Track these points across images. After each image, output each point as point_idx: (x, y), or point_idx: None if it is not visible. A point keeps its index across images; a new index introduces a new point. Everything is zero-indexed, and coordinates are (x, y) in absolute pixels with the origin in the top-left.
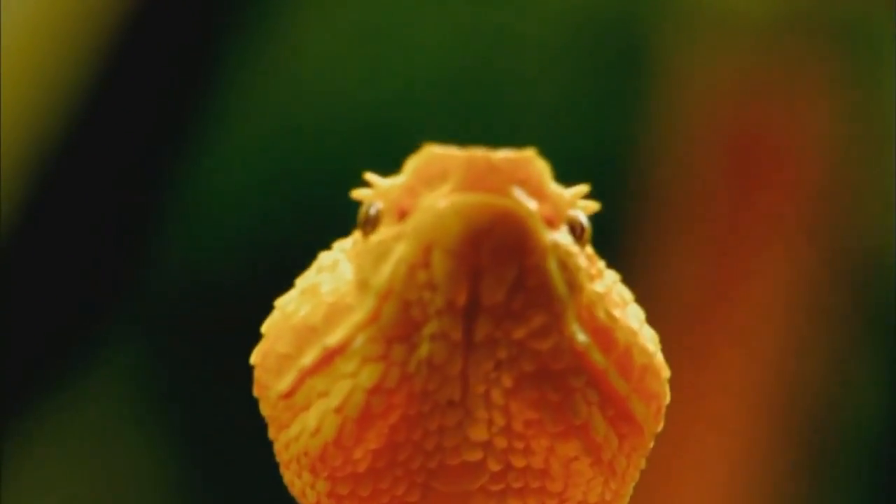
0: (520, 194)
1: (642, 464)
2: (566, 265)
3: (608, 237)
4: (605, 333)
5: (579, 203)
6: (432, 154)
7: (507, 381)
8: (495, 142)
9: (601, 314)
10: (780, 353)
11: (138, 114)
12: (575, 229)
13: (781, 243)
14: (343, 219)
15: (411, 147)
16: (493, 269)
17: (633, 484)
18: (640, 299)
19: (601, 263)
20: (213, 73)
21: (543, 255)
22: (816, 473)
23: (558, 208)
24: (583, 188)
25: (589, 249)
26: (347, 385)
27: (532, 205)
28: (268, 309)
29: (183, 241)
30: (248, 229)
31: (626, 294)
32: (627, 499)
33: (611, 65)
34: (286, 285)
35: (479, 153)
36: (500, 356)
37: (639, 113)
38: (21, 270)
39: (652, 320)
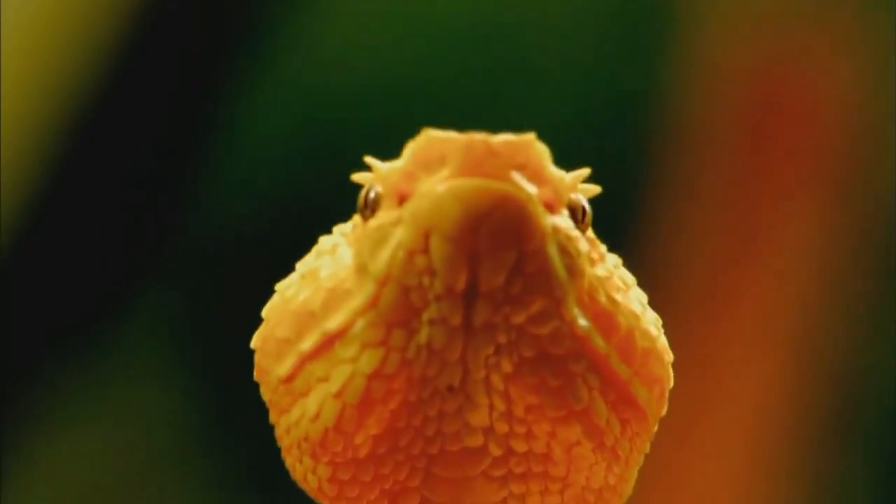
0: (519, 178)
1: (646, 448)
2: (567, 250)
3: (628, 196)
4: (606, 318)
5: (580, 187)
6: (431, 138)
7: (507, 366)
8: (516, 93)
9: (602, 298)
10: (803, 315)
11: (173, 72)
12: (576, 213)
13: (804, 202)
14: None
15: (440, 103)
16: (491, 253)
17: (637, 468)
18: (660, 260)
19: (603, 247)
20: (244, 31)
21: (543, 240)
22: (840, 444)
23: (559, 192)
24: (584, 172)
25: (590, 233)
26: (347, 370)
27: (531, 189)
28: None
29: (214, 197)
30: (279, 184)
31: (628, 277)
32: (632, 482)
33: (632, 19)
34: (316, 238)
35: (477, 137)
36: (499, 341)
37: (659, 68)
38: (53, 226)
39: (671, 283)
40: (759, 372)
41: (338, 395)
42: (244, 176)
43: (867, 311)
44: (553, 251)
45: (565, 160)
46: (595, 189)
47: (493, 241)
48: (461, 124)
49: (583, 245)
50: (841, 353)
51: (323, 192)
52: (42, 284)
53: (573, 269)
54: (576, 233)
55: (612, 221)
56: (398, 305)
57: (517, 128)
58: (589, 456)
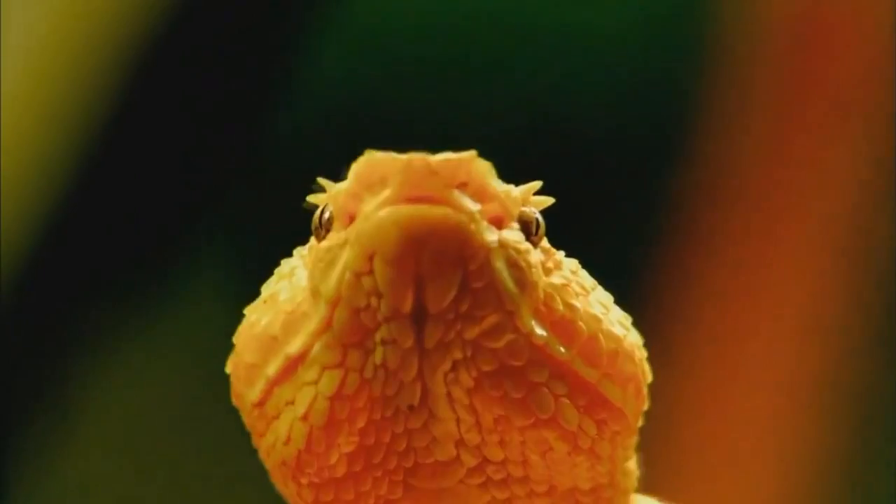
0: (459, 197)
1: (632, 443)
2: (515, 263)
3: (667, 129)
4: (565, 325)
5: (532, 199)
6: (372, 159)
7: (468, 381)
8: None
9: (560, 306)
10: (845, 245)
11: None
12: (528, 225)
13: (844, 138)
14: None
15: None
16: (435, 276)
17: (626, 463)
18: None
19: (560, 254)
20: None
21: (487, 257)
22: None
23: (506, 207)
24: (535, 184)
25: (545, 243)
26: (310, 393)
27: (473, 207)
28: None
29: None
30: (350, 114)
31: (588, 281)
32: (631, 476)
33: None
34: None
35: (417, 157)
36: (455, 357)
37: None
38: (117, 172)
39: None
40: (792, 341)
41: (304, 417)
42: (316, 104)
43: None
44: (500, 266)
45: (610, 74)
46: (546, 201)
47: (435, 265)
48: (516, 39)
49: (534, 256)
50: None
51: (396, 116)
52: (110, 214)
53: (523, 282)
54: (525, 245)
55: (655, 140)
56: (350, 327)
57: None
58: (566, 459)
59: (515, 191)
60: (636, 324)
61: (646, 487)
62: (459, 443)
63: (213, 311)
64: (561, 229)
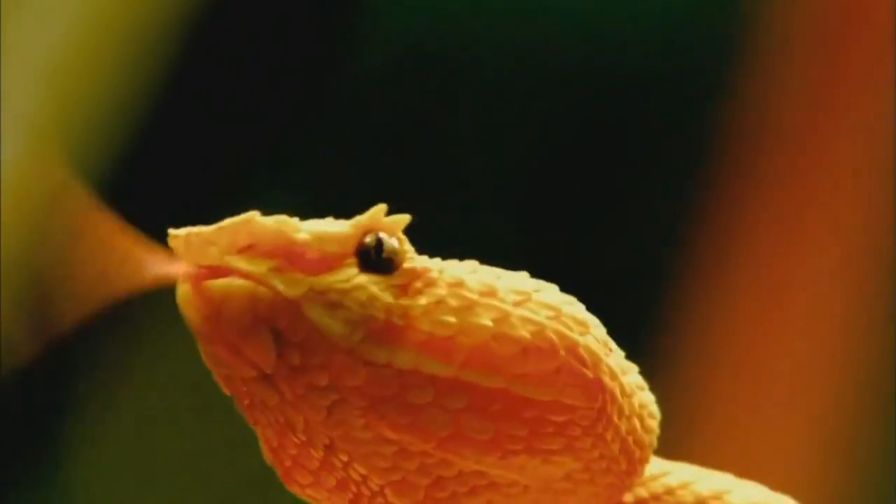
0: (242, 262)
1: (605, 424)
2: (340, 304)
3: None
4: (439, 343)
5: (387, 221)
6: (169, 234)
7: (357, 418)
8: None
9: (427, 327)
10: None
11: None
12: (370, 255)
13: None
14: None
15: None
16: (244, 343)
17: (612, 445)
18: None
19: (437, 271)
20: None
21: (296, 310)
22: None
23: (320, 251)
24: (378, 208)
25: (411, 263)
26: (262, 444)
27: (260, 267)
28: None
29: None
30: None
31: (476, 288)
32: (625, 455)
33: None
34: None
35: (195, 231)
36: (325, 403)
37: None
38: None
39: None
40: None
41: (271, 464)
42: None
43: None
44: (317, 313)
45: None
46: (404, 219)
47: (238, 333)
48: None
49: (368, 290)
50: None
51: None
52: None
53: (351, 320)
54: (349, 283)
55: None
56: (233, 390)
57: None
58: (502, 463)
59: (341, 225)
60: (657, 315)
61: None
62: (396, 468)
63: None
64: (584, 219)
